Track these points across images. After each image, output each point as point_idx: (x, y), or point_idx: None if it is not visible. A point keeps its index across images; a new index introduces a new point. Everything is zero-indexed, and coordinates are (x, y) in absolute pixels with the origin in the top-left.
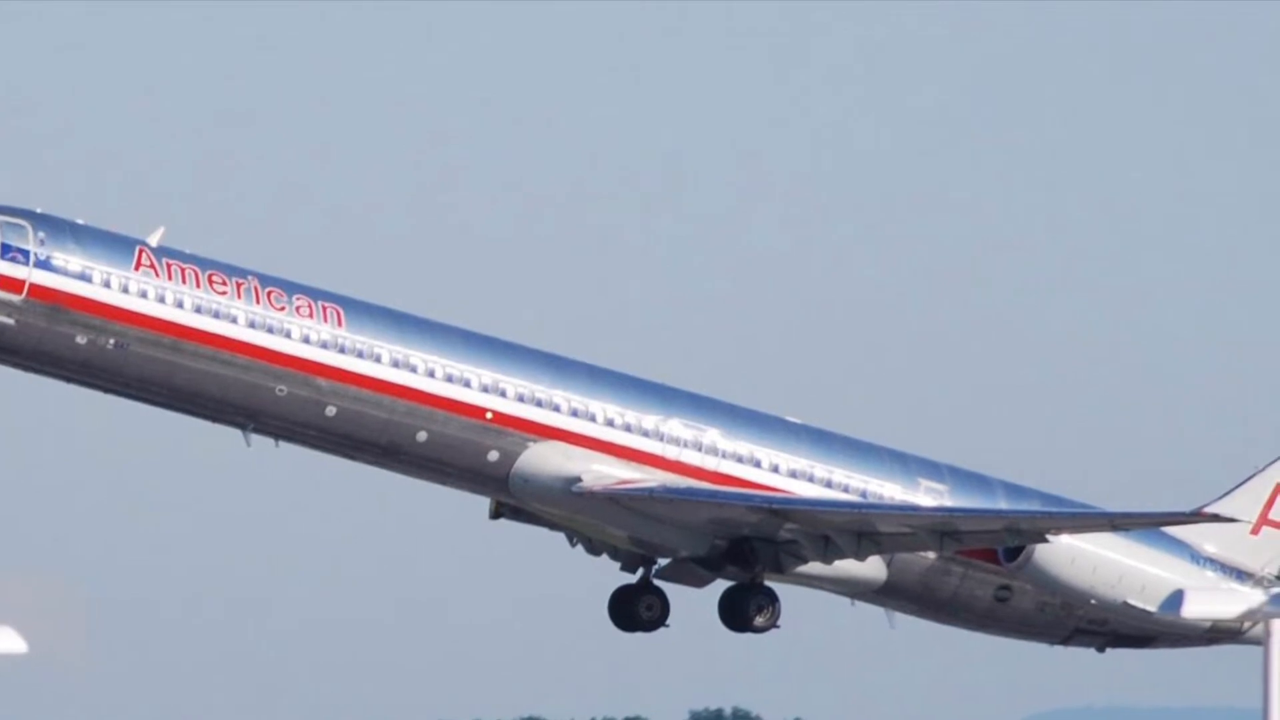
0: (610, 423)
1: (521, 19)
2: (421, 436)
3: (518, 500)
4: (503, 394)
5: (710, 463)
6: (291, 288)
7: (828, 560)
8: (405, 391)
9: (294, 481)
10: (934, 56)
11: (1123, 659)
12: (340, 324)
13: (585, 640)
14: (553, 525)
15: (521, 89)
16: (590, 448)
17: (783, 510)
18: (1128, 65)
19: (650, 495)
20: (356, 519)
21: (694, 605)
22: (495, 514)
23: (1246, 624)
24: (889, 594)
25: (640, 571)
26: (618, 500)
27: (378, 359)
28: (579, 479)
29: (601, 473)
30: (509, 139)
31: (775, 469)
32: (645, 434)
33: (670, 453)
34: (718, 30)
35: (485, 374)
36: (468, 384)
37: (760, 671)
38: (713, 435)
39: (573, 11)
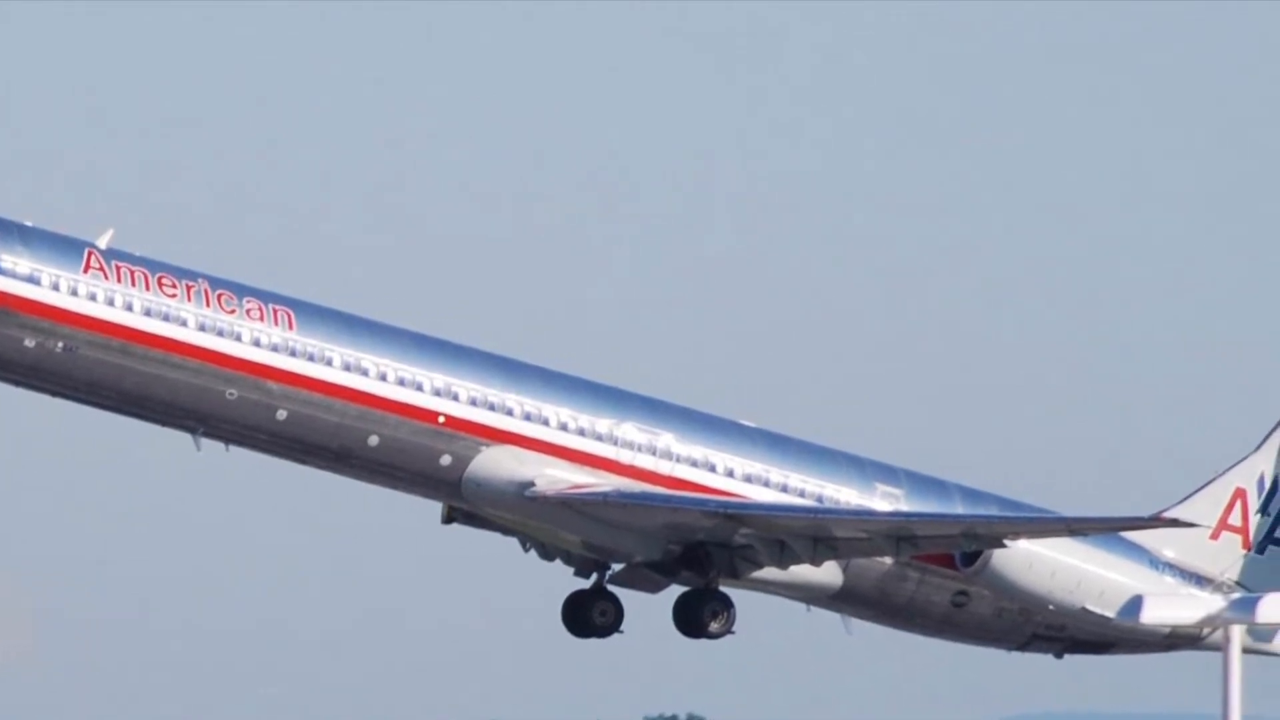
0: (564, 427)
1: (477, 19)
2: (373, 441)
3: (470, 505)
4: (455, 398)
5: (665, 467)
6: (242, 290)
7: (783, 565)
8: (356, 395)
9: (244, 486)
10: (892, 59)
11: (1081, 665)
12: (291, 327)
13: (539, 646)
14: (506, 530)
15: (473, 90)
16: (543, 452)
17: (738, 515)
18: (1080, 67)
19: (604, 500)
20: (307, 524)
21: (648, 610)
22: (448, 519)
23: (1205, 629)
24: (845, 599)
25: (594, 577)
26: (571, 505)
27: (329, 362)
28: (532, 483)
29: (555, 477)
30: (461, 141)
31: (730, 473)
32: (599, 438)
33: (624, 457)
34: (673, 31)
35: (437, 377)
36: (420, 388)
37: (715, 677)
38: (667, 439)
39: (526, 11)
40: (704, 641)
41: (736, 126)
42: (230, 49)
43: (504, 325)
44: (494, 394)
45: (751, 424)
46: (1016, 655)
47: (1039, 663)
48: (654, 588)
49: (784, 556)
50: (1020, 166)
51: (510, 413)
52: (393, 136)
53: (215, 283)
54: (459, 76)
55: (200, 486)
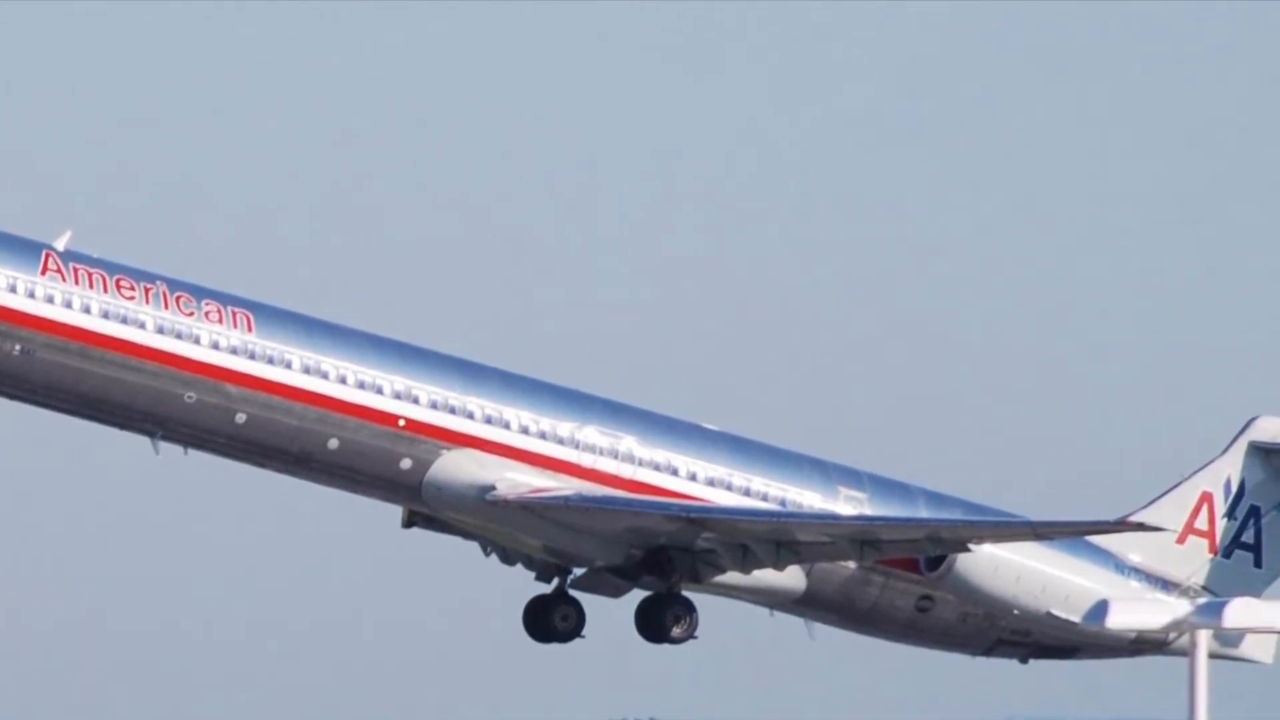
0: (524, 430)
1: (433, 18)
2: (333, 444)
3: (431, 509)
4: (415, 401)
5: (626, 470)
6: (200, 292)
7: (746, 570)
8: (316, 398)
9: (203, 490)
10: (853, 59)
11: (1046, 670)
12: (250, 329)
13: (500, 651)
14: (466, 534)
15: (429, 89)
16: (504, 455)
17: (700, 519)
18: (1034, 75)
19: (566, 504)
20: (267, 528)
21: (610, 615)
22: (408, 523)
23: (1172, 635)
24: (808, 604)
25: (555, 581)
26: (532, 509)
27: (288, 365)
28: (493, 487)
29: (516, 481)
30: (418, 141)
31: (693, 477)
32: (560, 441)
33: (586, 460)
34: (631, 30)
35: (397, 380)
36: (380, 390)
37: (677, 683)
38: (629, 442)
39: (483, 11)
40: (666, 646)
41: (698, 127)
42: (190, 50)
43: (464, 328)
44: (454, 397)
45: (714, 427)
46: (981, 660)
47: (1004, 668)
48: (616, 592)
49: (746, 561)
50: (982, 168)
51: (471, 416)
52: (351, 137)
53: (174, 285)
54: (417, 78)
55: (159, 490)
